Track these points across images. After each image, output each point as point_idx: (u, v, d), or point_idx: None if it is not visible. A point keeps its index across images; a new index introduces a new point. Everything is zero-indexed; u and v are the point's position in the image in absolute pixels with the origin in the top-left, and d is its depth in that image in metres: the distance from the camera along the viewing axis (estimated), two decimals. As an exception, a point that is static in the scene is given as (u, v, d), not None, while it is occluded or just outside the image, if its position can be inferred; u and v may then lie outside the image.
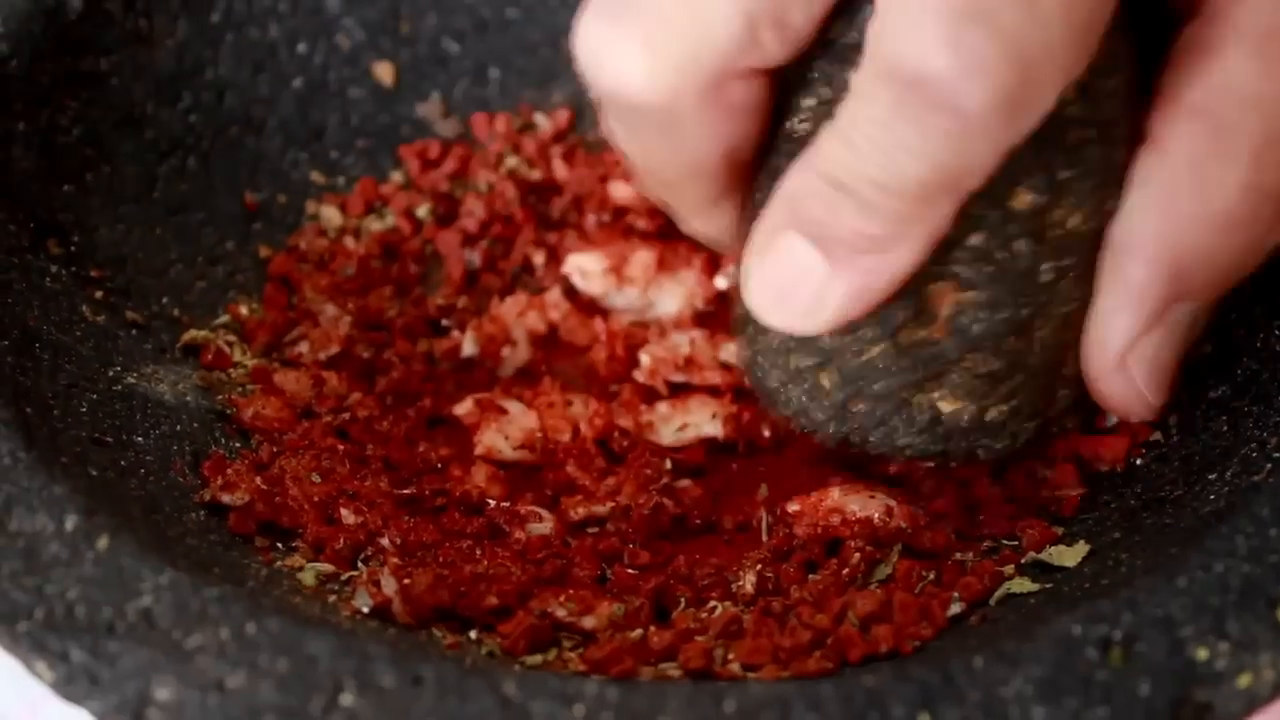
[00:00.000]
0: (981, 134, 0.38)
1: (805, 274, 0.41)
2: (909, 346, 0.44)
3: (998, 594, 0.46)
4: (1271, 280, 0.49)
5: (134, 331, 0.53)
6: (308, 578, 0.46)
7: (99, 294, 0.53)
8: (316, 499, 0.49)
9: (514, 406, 0.53)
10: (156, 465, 0.48)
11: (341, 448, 0.51)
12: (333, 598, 0.45)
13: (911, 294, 0.42)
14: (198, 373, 0.53)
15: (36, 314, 0.50)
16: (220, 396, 0.53)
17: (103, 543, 0.41)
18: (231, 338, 0.56)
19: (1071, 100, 0.41)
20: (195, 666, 0.38)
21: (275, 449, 0.51)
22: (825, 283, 0.41)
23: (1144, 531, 0.46)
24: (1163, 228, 0.42)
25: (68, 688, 0.39)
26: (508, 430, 0.52)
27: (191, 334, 0.55)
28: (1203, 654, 0.38)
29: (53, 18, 0.55)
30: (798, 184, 0.41)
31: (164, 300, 0.55)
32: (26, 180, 0.53)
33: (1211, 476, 0.46)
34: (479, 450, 0.52)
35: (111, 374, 0.50)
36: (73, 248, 0.53)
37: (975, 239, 0.42)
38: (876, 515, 0.48)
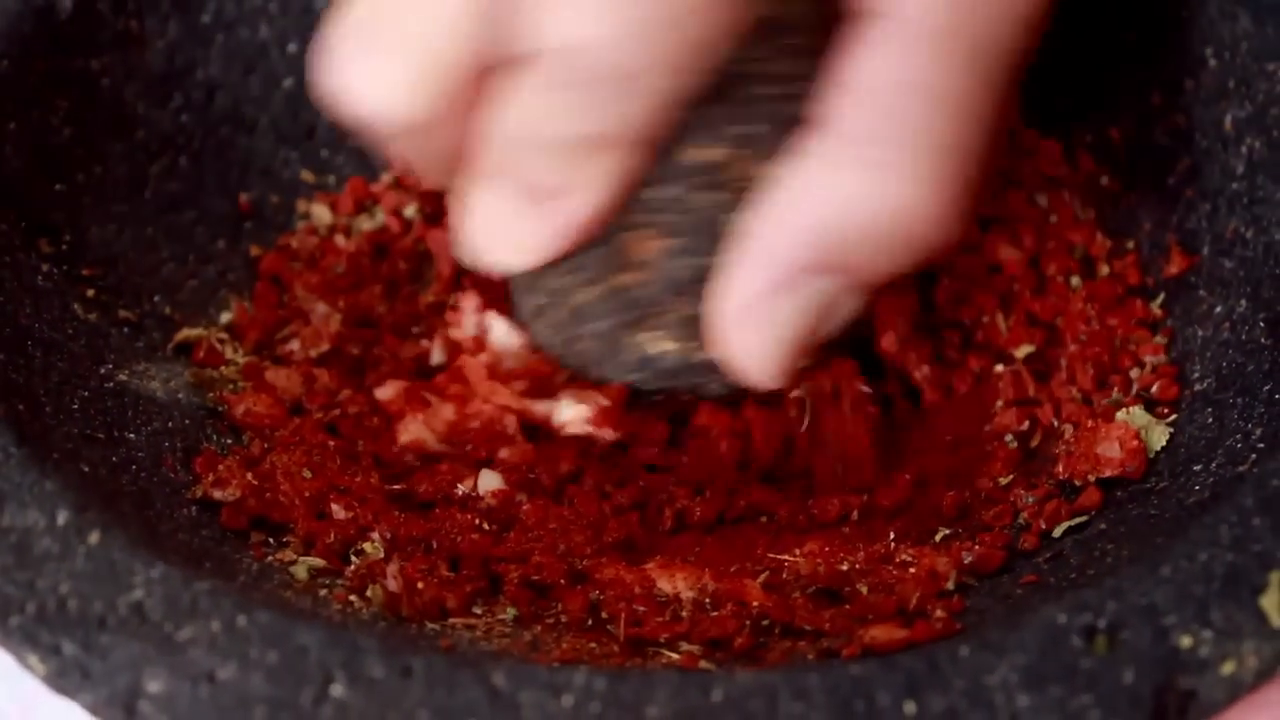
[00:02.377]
0: (626, 94, 0.42)
1: (505, 215, 0.45)
2: (618, 289, 0.47)
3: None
4: (1253, 273, 0.50)
5: (125, 329, 0.53)
6: (300, 572, 0.46)
7: (90, 292, 0.53)
8: (307, 494, 0.49)
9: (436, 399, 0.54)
10: (148, 461, 0.48)
11: (332, 444, 0.52)
12: (324, 591, 0.45)
13: (614, 240, 0.46)
14: (189, 370, 0.54)
15: (28, 312, 0.50)
16: (211, 394, 0.53)
17: (94, 537, 0.41)
18: (223, 335, 0.56)
19: (751, 58, 0.44)
20: (186, 659, 0.39)
21: (266, 445, 0.51)
22: (521, 223, 0.45)
23: (1129, 522, 0.46)
24: (799, 198, 0.43)
25: (60, 681, 0.39)
26: (433, 422, 0.53)
27: (184, 333, 0.55)
28: (1187, 642, 0.38)
29: (43, 18, 0.55)
30: (490, 137, 0.44)
31: (155, 299, 0.55)
32: (18, 180, 0.53)
33: (1197, 468, 0.47)
34: (402, 440, 0.52)
35: (103, 371, 0.50)
36: (64, 246, 0.54)
37: (661, 191, 0.45)
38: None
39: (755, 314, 0.45)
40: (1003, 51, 0.43)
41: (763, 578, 0.47)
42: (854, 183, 0.43)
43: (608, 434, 0.51)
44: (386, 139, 0.45)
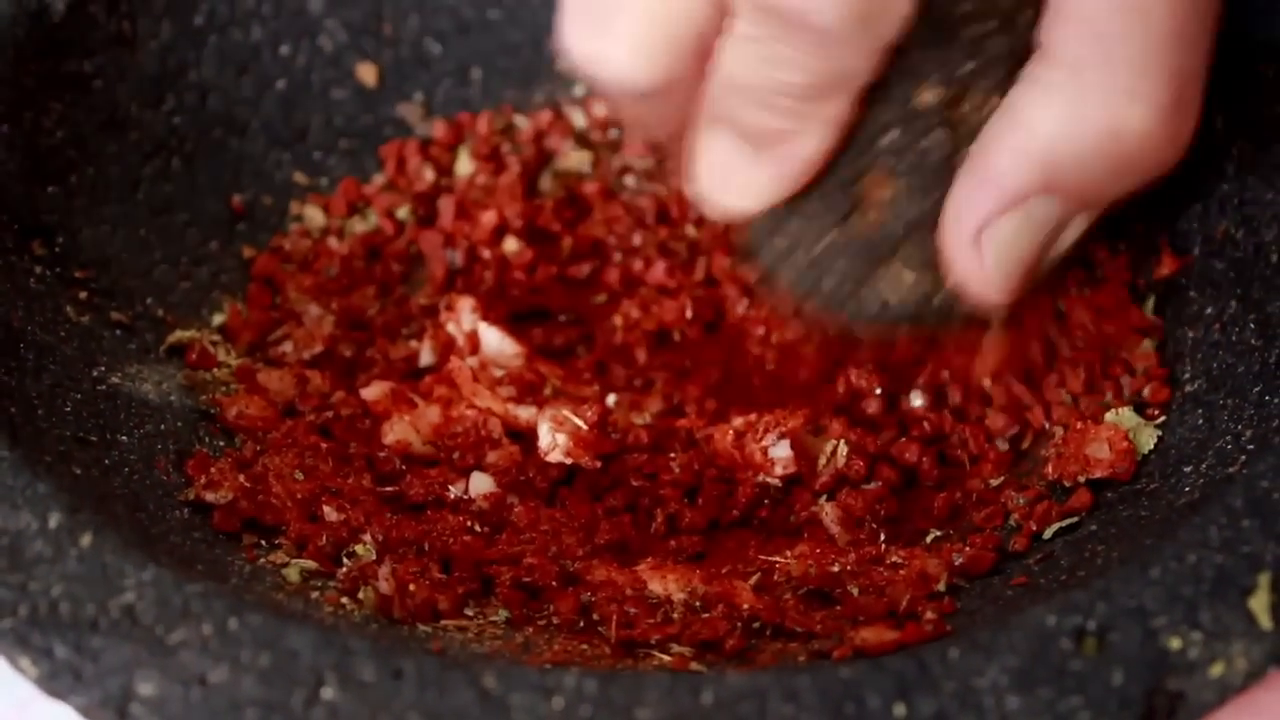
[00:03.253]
0: (842, 45, 0.43)
1: (732, 161, 0.47)
2: (859, 230, 0.48)
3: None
4: (1244, 274, 0.50)
5: (118, 332, 0.53)
6: (292, 574, 0.47)
7: (83, 294, 0.53)
8: (299, 496, 0.49)
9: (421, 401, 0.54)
10: (140, 464, 0.48)
11: (324, 445, 0.52)
12: (315, 594, 0.46)
13: (849, 184, 0.47)
14: (182, 372, 0.54)
15: (21, 314, 0.50)
16: (205, 396, 0.53)
17: (86, 540, 0.41)
18: (216, 337, 0.56)
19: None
20: (178, 661, 0.39)
21: (259, 447, 0.51)
22: (749, 168, 0.46)
23: (1119, 524, 0.46)
24: (1024, 124, 0.44)
25: (52, 683, 0.39)
26: (418, 424, 0.53)
27: (177, 335, 0.55)
28: (1176, 644, 0.38)
29: (36, 20, 0.55)
30: (716, 87, 0.45)
31: (148, 301, 0.55)
32: (11, 182, 0.53)
33: (1187, 469, 0.47)
34: (388, 440, 0.53)
35: (96, 374, 0.50)
36: (57, 249, 0.54)
37: (891, 134, 0.46)
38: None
39: (988, 235, 0.46)
40: None
41: (754, 579, 0.47)
42: (1076, 106, 0.43)
43: (587, 462, 0.52)
44: (628, 104, 0.47)
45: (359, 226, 0.61)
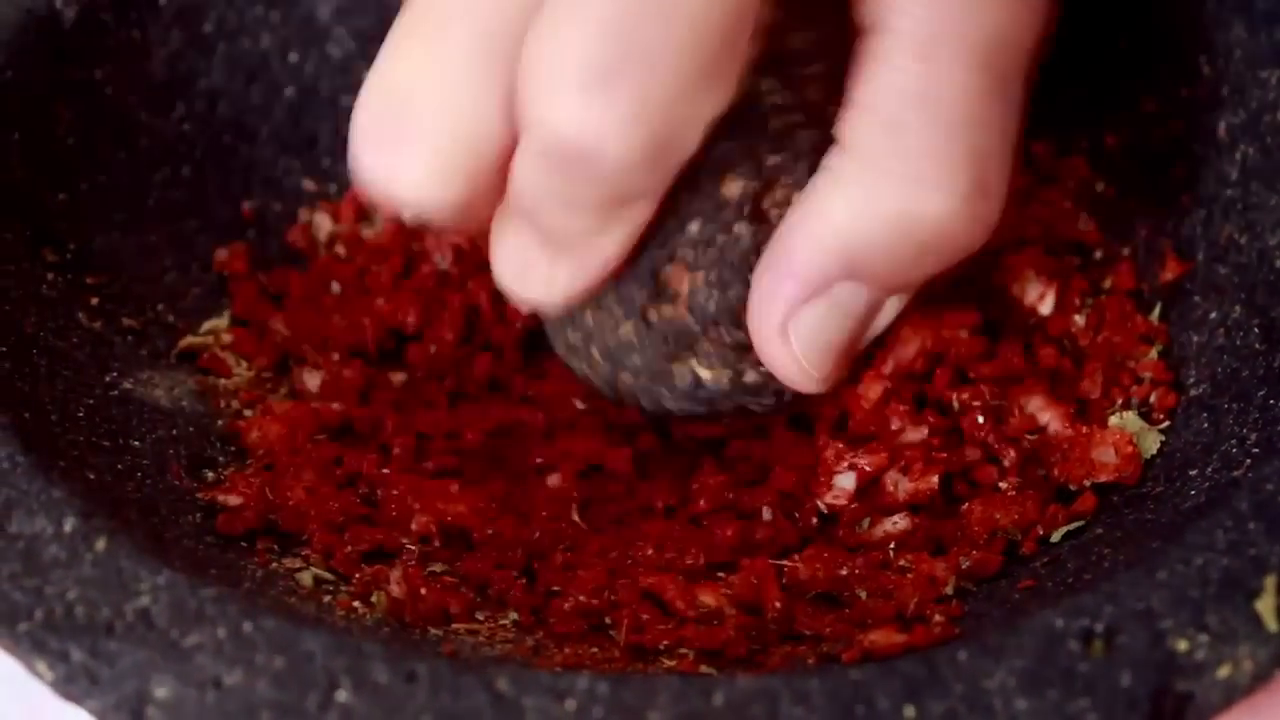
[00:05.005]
0: (630, 176, 0.42)
1: (531, 257, 0.45)
2: (656, 324, 0.48)
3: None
4: (1248, 279, 0.50)
5: (129, 337, 0.54)
6: (305, 578, 0.47)
7: (95, 301, 0.53)
8: (325, 507, 0.49)
9: None
10: (153, 469, 0.48)
11: (339, 471, 0.52)
12: (328, 598, 0.46)
13: (649, 275, 0.47)
14: (193, 378, 0.54)
15: (33, 321, 0.50)
16: (222, 404, 0.53)
17: (101, 544, 0.42)
18: (228, 339, 0.56)
19: (772, 90, 0.45)
20: (193, 665, 0.39)
21: (273, 463, 0.51)
22: (547, 265, 0.45)
23: (1125, 527, 0.47)
24: (826, 207, 0.44)
25: (68, 687, 0.39)
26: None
27: (188, 340, 0.55)
28: (1183, 646, 0.38)
29: (46, 28, 0.56)
30: (512, 189, 0.44)
31: (159, 306, 0.56)
32: (22, 189, 0.54)
33: (1193, 473, 0.47)
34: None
35: (108, 379, 0.51)
36: (68, 255, 0.54)
37: (694, 227, 0.46)
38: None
39: (794, 325, 0.46)
40: (1009, 53, 0.44)
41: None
42: (870, 194, 0.44)
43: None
44: (428, 223, 0.45)
45: (367, 233, 0.61)
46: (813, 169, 0.45)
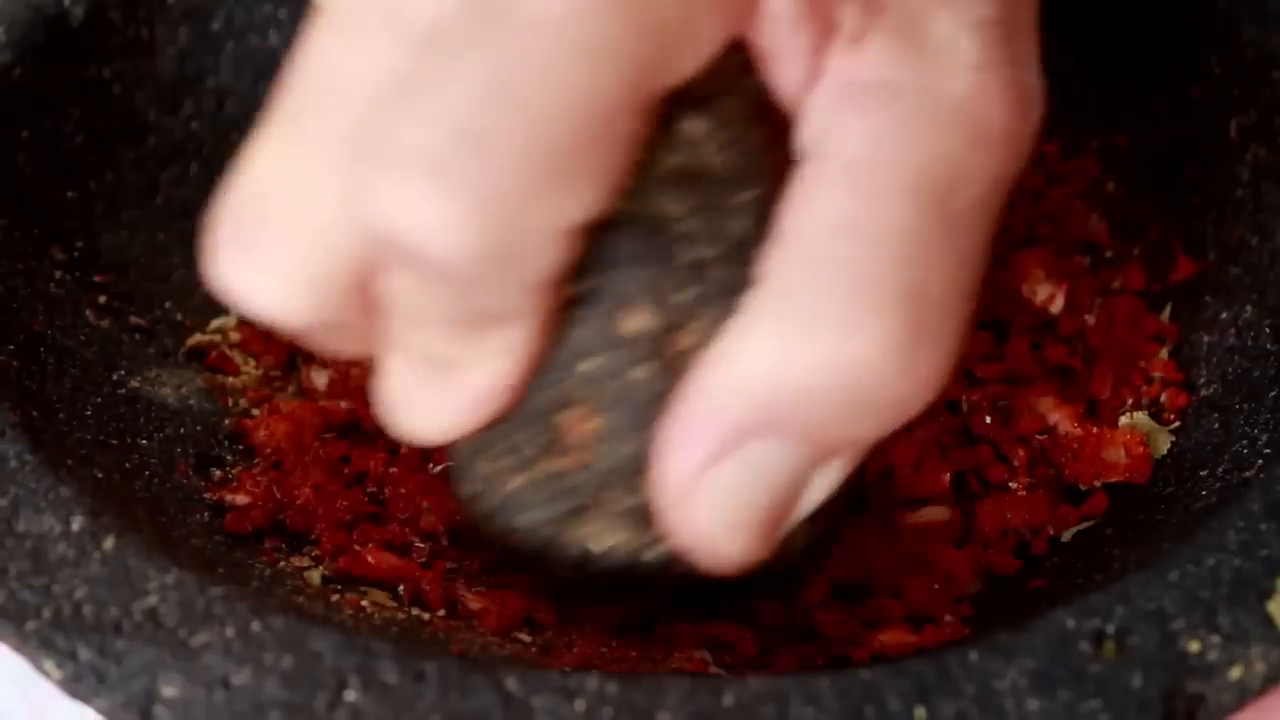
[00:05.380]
0: (475, 285, 0.37)
1: (412, 386, 0.41)
2: (546, 480, 0.42)
3: None
4: (1259, 279, 0.50)
5: (138, 336, 0.54)
6: (314, 577, 0.47)
7: (103, 299, 0.53)
8: (333, 506, 0.49)
9: None
10: (161, 467, 0.48)
11: (346, 470, 0.52)
12: (336, 597, 0.46)
13: (539, 422, 0.41)
14: (201, 376, 0.54)
15: (41, 319, 0.50)
16: (230, 402, 0.53)
17: (109, 543, 0.42)
18: (236, 337, 0.56)
19: (683, 216, 0.39)
20: (201, 664, 0.39)
21: (281, 460, 0.51)
22: (430, 396, 0.41)
23: (1136, 528, 0.47)
24: (742, 350, 0.38)
25: (75, 686, 0.39)
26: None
27: (196, 338, 0.55)
28: (1195, 647, 0.38)
29: (55, 26, 0.56)
30: (388, 310, 0.40)
31: (167, 305, 0.56)
32: (30, 187, 0.53)
33: (1203, 473, 0.47)
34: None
35: (116, 378, 0.51)
36: (76, 253, 0.54)
37: (586, 365, 0.40)
38: None
39: (702, 487, 0.39)
40: (962, 185, 0.38)
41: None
42: (790, 338, 0.37)
43: None
44: (296, 335, 0.42)
45: None
46: (729, 311, 0.38)
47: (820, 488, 0.41)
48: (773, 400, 0.38)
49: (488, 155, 0.35)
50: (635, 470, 0.41)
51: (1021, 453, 0.51)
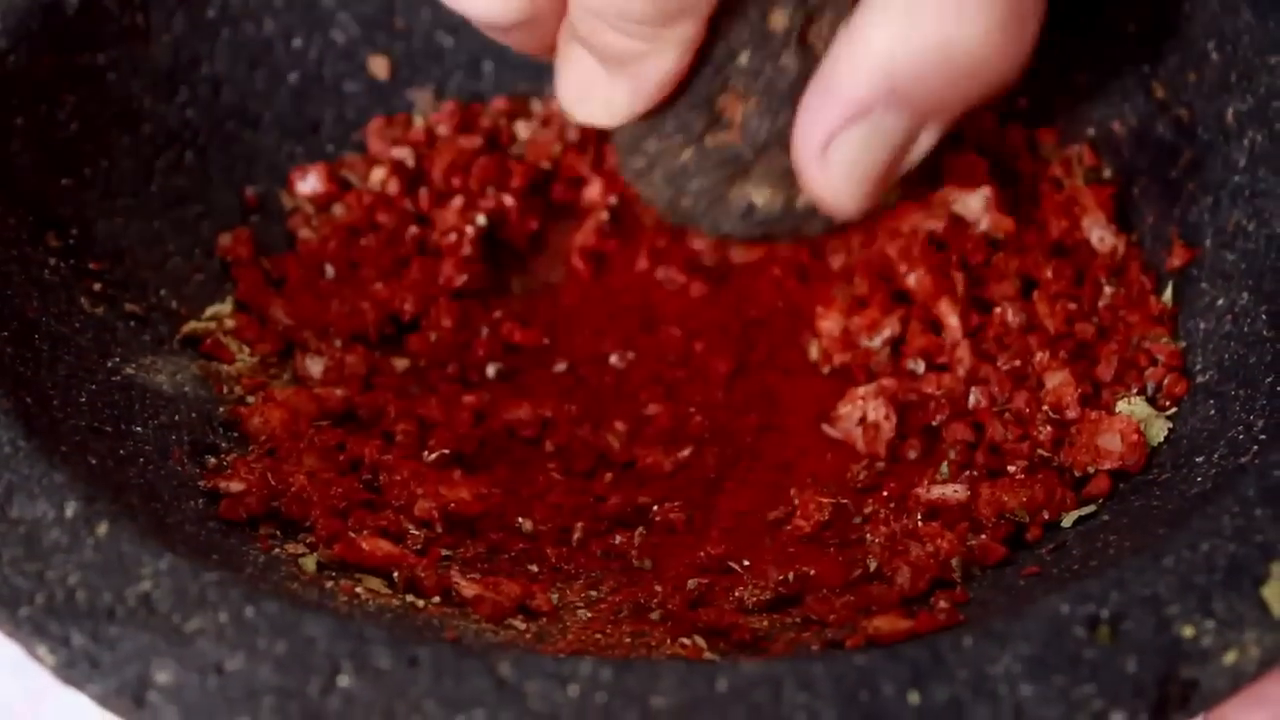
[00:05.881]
0: None
1: (590, 78, 0.50)
2: (713, 149, 0.52)
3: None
4: (1255, 266, 0.50)
5: (132, 323, 0.53)
6: (308, 564, 0.47)
7: (97, 286, 0.53)
8: (331, 492, 0.49)
9: None
10: (155, 454, 0.48)
11: (342, 457, 0.52)
12: (330, 583, 0.46)
13: (705, 103, 0.51)
14: (196, 363, 0.54)
15: (36, 306, 0.50)
16: (225, 389, 0.53)
17: (102, 529, 0.42)
18: (231, 324, 0.56)
19: None
20: (195, 650, 0.39)
21: (275, 448, 0.51)
22: (606, 85, 0.50)
23: (1132, 513, 0.47)
24: (868, 36, 0.46)
25: (69, 671, 0.39)
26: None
27: (191, 326, 0.55)
28: (1189, 632, 0.38)
29: (50, 14, 0.56)
30: (572, 9, 0.48)
31: (162, 292, 0.55)
32: (25, 174, 0.53)
33: (1199, 459, 0.47)
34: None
35: (110, 365, 0.51)
36: (71, 240, 0.54)
37: (744, 57, 0.49)
38: None
39: (835, 147, 0.48)
40: None
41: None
42: (909, 23, 0.45)
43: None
44: (496, 36, 0.50)
45: (337, 209, 0.61)
46: (855, 1, 0.47)
47: (921, 148, 0.50)
48: (896, 76, 0.46)
49: None
50: (781, 144, 0.50)
51: (1019, 435, 0.51)
